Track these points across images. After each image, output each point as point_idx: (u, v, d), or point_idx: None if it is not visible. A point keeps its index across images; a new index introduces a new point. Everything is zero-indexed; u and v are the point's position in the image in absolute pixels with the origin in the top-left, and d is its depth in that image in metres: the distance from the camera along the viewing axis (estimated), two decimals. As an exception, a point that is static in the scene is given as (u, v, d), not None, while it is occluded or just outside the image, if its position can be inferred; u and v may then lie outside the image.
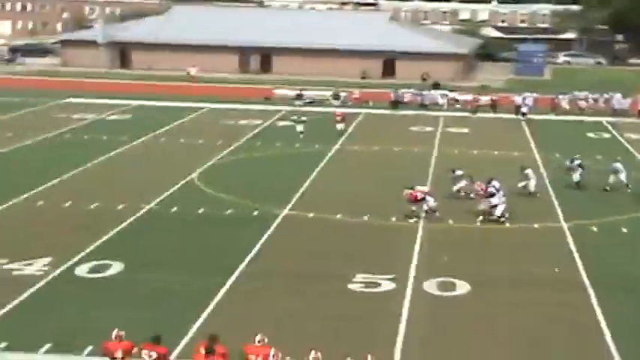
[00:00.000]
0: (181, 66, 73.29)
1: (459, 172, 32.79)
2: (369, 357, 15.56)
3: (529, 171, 33.41)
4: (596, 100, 58.67)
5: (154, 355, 16.16)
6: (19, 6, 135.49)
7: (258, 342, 16.41)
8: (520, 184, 33.10)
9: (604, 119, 54.59)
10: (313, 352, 15.92)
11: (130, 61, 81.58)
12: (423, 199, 29.34)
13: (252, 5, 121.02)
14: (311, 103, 58.65)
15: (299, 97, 58.86)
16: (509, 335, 20.03)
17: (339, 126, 46.73)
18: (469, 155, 41.56)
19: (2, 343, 18.75)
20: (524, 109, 54.56)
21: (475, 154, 42.02)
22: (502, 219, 29.27)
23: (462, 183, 32.41)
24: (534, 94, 58.48)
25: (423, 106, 57.84)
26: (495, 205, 29.36)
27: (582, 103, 57.79)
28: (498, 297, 22.53)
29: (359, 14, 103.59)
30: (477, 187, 30.64)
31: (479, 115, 55.24)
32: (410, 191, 29.53)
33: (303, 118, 46.74)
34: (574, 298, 22.64)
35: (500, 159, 40.73)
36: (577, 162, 34.79)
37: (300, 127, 45.76)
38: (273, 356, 15.83)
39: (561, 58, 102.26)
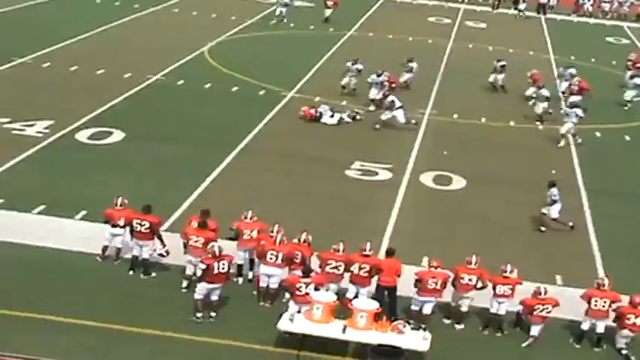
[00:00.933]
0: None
1: None
2: (368, 245, 15.84)
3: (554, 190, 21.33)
4: (621, 4, 57.43)
5: (146, 224, 16.46)
6: None
7: (250, 219, 16.71)
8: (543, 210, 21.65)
9: (625, 24, 53.53)
10: (305, 233, 16.22)
11: None
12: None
13: None
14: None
15: None
16: (498, 230, 20.35)
17: (328, 12, 44.09)
18: (484, 50, 41.07)
19: (-2, 200, 19.13)
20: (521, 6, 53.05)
21: (490, 50, 41.47)
22: None
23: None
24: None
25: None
26: None
27: (606, 6, 56.59)
28: (492, 194, 22.71)
29: None
30: None
31: (500, 10, 54.18)
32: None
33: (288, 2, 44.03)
34: (567, 202, 22.68)
35: (515, 57, 40.22)
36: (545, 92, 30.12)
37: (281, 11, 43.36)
38: (277, 232, 16.07)
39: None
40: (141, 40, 36.67)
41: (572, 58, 40.67)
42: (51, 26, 36.99)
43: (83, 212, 18.76)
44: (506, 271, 15.82)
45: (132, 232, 16.62)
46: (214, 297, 15.35)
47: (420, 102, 30.17)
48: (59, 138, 23.77)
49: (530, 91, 31.04)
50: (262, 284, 15.99)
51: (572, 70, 32.70)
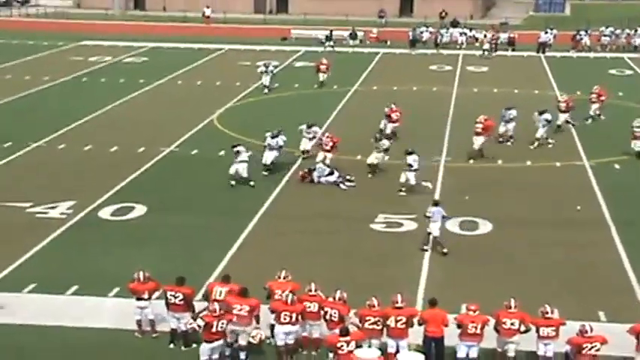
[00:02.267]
0: (196, 7, 72.54)
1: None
2: (399, 297, 15.76)
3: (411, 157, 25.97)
4: (617, 36, 58.02)
5: (180, 296, 16.41)
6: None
7: (283, 278, 16.69)
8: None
9: (625, 55, 54.00)
10: (339, 291, 16.15)
11: (144, 3, 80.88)
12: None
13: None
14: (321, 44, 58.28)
15: (328, 38, 57.49)
16: (532, 273, 20.19)
17: (322, 76, 42.91)
18: (489, 94, 41.36)
19: (30, 285, 19.09)
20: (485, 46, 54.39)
21: (495, 92, 41.77)
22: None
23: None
24: (554, 31, 57.81)
25: (437, 45, 56.89)
26: None
27: (604, 40, 57.17)
28: (521, 236, 22.63)
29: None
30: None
31: (498, 53, 54.72)
32: None
33: (272, 69, 42.09)
34: (597, 236, 22.72)
35: (521, 97, 40.46)
36: (545, 116, 31.32)
37: (265, 80, 41.38)
38: (315, 290, 16.13)
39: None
40: (150, 114, 37.02)
41: (578, 93, 40.77)
42: (61, 109, 37.41)
43: (116, 289, 18.69)
44: (547, 313, 15.67)
45: (167, 304, 16.57)
46: (215, 356, 15.38)
47: (434, 150, 30.29)
48: (83, 217, 23.82)
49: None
50: (280, 342, 15.95)
51: (513, 112, 31.78)
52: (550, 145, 31.27)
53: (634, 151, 29.73)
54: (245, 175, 26.30)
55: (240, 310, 15.81)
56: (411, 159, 25.97)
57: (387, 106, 32.51)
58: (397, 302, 15.69)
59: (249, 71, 46.37)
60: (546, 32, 56.68)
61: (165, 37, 60.80)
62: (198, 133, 33.29)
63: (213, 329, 15.28)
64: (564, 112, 33.56)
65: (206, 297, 16.90)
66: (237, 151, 26.47)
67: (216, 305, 15.46)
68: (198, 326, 15.48)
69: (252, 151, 27.04)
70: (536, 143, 30.96)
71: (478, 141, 29.51)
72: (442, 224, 21.69)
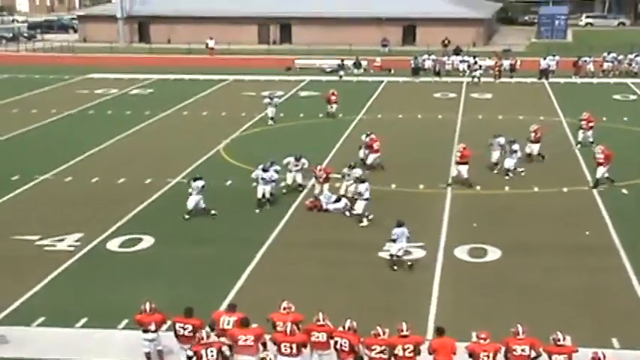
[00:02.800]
0: (201, 38, 72.98)
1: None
2: (404, 325, 15.61)
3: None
4: (620, 62, 58.13)
5: (189, 327, 16.29)
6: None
7: (284, 309, 16.57)
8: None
9: (629, 80, 54.06)
10: (349, 321, 16.00)
11: (149, 35, 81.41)
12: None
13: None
14: (332, 72, 58.56)
15: (340, 67, 57.61)
16: (543, 300, 20.00)
17: (333, 107, 42.36)
18: (494, 121, 41.34)
19: (40, 319, 18.98)
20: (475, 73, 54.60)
21: (500, 119, 41.78)
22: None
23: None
24: (556, 57, 57.94)
25: (437, 73, 56.81)
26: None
27: (606, 65, 57.29)
28: (530, 262, 22.48)
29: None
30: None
31: (502, 80, 54.82)
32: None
33: (276, 100, 42.87)
34: (607, 262, 22.55)
35: (527, 124, 40.39)
36: (514, 146, 30.41)
37: (271, 111, 41.42)
38: (324, 320, 15.97)
39: (583, 20, 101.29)
40: (156, 145, 37.01)
41: (567, 119, 40.88)
42: (67, 142, 37.42)
43: (125, 321, 18.55)
44: (559, 340, 15.48)
45: (176, 336, 16.45)
46: None
47: (440, 177, 30.21)
48: (91, 250, 23.73)
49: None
50: None
51: (501, 140, 31.27)
52: (522, 174, 30.64)
53: (594, 178, 29.44)
54: (203, 206, 26.31)
55: (246, 340, 15.69)
56: (363, 187, 25.90)
57: (365, 136, 32.12)
58: (403, 330, 15.55)
59: (254, 101, 46.54)
60: (545, 59, 56.81)
61: (170, 69, 61.08)
62: (205, 164, 33.25)
63: (203, 358, 15.12)
64: (534, 142, 32.67)
65: (211, 326, 16.79)
66: (195, 186, 26.32)
67: (203, 333, 15.38)
68: (188, 357, 15.35)
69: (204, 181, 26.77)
70: (510, 174, 30.31)
71: (462, 170, 29.26)
72: (405, 243, 22.09)
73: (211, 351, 15.17)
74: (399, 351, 15.43)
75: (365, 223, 25.71)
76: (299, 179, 29.00)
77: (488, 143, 31.23)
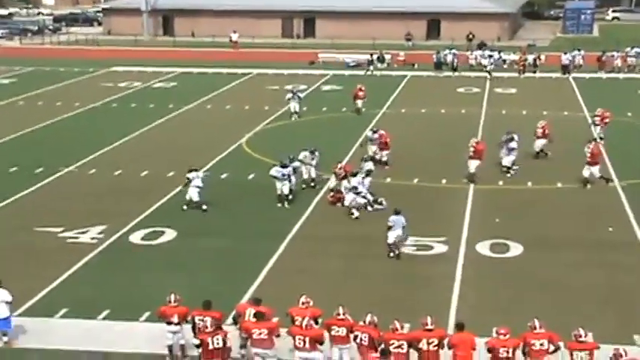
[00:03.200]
0: (224, 32, 73.10)
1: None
2: (429, 319, 15.61)
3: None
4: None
5: (208, 320, 16.32)
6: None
7: (303, 304, 16.60)
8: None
9: (655, 76, 53.66)
10: (369, 315, 16.02)
11: (173, 28, 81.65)
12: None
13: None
14: (357, 67, 58.55)
15: (370, 62, 57.63)
16: (565, 296, 19.90)
17: (360, 102, 42.16)
18: (518, 116, 41.18)
19: (62, 310, 19.15)
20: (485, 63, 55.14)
21: (524, 114, 41.58)
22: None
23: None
24: (582, 52, 57.51)
25: (454, 69, 56.40)
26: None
27: (630, 60, 56.82)
28: (552, 258, 22.37)
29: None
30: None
31: (526, 75, 54.55)
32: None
33: (299, 94, 42.61)
34: (630, 258, 22.40)
35: (551, 119, 40.19)
36: (511, 144, 30.24)
37: (294, 106, 41.30)
38: (344, 314, 15.96)
39: (610, 14, 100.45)
40: (179, 138, 37.17)
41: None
42: (91, 134, 37.66)
43: (147, 313, 18.67)
44: (580, 336, 15.40)
45: (195, 329, 16.38)
46: None
47: (462, 172, 30.07)
48: (113, 242, 23.90)
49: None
50: None
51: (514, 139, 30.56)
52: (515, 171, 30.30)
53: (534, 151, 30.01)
54: (197, 199, 26.42)
55: (260, 334, 15.77)
56: (356, 181, 26.37)
57: (372, 133, 32.08)
58: (427, 324, 15.56)
59: (277, 95, 46.51)
60: (565, 53, 56.40)
61: (193, 62, 61.27)
62: (228, 157, 33.36)
63: (210, 346, 15.27)
64: (541, 137, 32.33)
65: (235, 320, 16.86)
66: (189, 178, 26.59)
67: (208, 321, 15.56)
68: (196, 346, 15.52)
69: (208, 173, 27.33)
70: (512, 172, 30.09)
71: (472, 165, 29.21)
72: (403, 233, 22.42)
73: (217, 339, 15.36)
74: (423, 345, 15.41)
75: (356, 214, 25.83)
76: (312, 174, 29.00)
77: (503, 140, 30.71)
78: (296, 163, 27.89)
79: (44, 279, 20.99)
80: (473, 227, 24.86)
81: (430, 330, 15.53)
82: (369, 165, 28.16)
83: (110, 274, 21.56)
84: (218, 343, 15.36)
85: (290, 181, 27.13)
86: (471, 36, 69.38)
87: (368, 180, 26.92)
